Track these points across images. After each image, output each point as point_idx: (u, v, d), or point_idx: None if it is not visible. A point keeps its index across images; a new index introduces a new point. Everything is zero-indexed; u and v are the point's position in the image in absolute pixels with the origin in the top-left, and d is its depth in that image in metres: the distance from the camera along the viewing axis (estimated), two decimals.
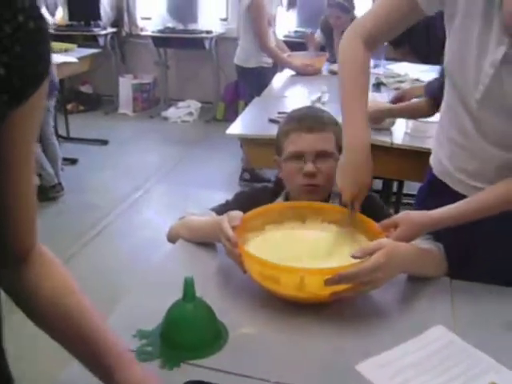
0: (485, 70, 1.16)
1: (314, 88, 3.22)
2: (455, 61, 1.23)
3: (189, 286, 1.03)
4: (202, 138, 5.44)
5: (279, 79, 3.84)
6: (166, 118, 5.99)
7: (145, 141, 5.40)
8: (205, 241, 1.40)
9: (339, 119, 1.39)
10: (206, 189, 4.12)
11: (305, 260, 1.18)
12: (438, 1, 1.21)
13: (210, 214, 1.42)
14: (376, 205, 1.44)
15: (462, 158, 1.32)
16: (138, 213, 3.93)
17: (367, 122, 1.29)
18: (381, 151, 2.33)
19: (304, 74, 3.83)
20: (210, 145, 5.12)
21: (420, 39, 2.05)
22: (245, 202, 1.42)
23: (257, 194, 1.54)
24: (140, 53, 6.31)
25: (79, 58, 4.69)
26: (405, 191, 3.39)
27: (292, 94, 3.46)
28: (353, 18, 3.95)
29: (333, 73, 3.66)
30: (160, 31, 5.90)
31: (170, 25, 5.93)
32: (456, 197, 1.27)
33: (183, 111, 6.04)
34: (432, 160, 1.47)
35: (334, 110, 1.56)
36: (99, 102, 6.41)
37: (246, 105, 3.37)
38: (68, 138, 5.17)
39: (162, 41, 5.93)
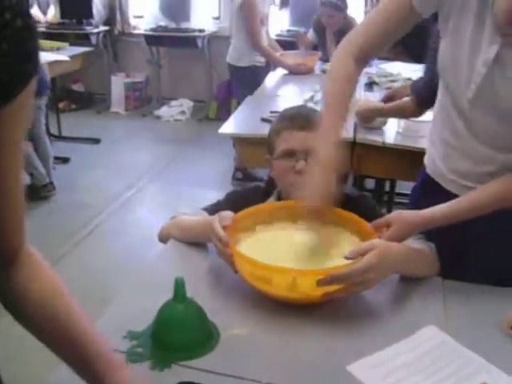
0: (477, 68, 1.16)
1: (306, 87, 3.22)
2: (448, 60, 1.24)
3: (179, 286, 1.02)
4: (194, 136, 5.43)
5: (272, 78, 3.84)
6: (158, 117, 5.97)
7: (137, 139, 5.37)
8: (196, 241, 1.39)
9: None
10: (198, 188, 4.11)
11: (296, 260, 1.18)
12: (435, 2, 1.21)
13: (202, 213, 1.41)
14: (368, 204, 1.44)
15: (454, 159, 1.32)
16: (131, 212, 3.91)
17: (340, 139, 1.25)
18: (373, 150, 2.33)
19: (297, 73, 3.82)
20: (202, 144, 5.10)
21: (413, 39, 2.05)
22: (236, 201, 1.41)
23: (248, 193, 1.53)
24: (132, 51, 6.28)
25: (71, 57, 4.66)
26: (397, 190, 3.40)
27: (285, 93, 3.45)
28: (345, 16, 3.95)
29: (325, 72, 3.66)
30: (152, 30, 5.87)
31: (162, 23, 5.90)
32: (448, 196, 1.27)
33: (176, 110, 6.02)
34: (426, 160, 1.47)
35: None
36: (91, 101, 6.38)
37: (239, 104, 3.36)
38: (60, 137, 5.14)
39: (155, 39, 5.91)
